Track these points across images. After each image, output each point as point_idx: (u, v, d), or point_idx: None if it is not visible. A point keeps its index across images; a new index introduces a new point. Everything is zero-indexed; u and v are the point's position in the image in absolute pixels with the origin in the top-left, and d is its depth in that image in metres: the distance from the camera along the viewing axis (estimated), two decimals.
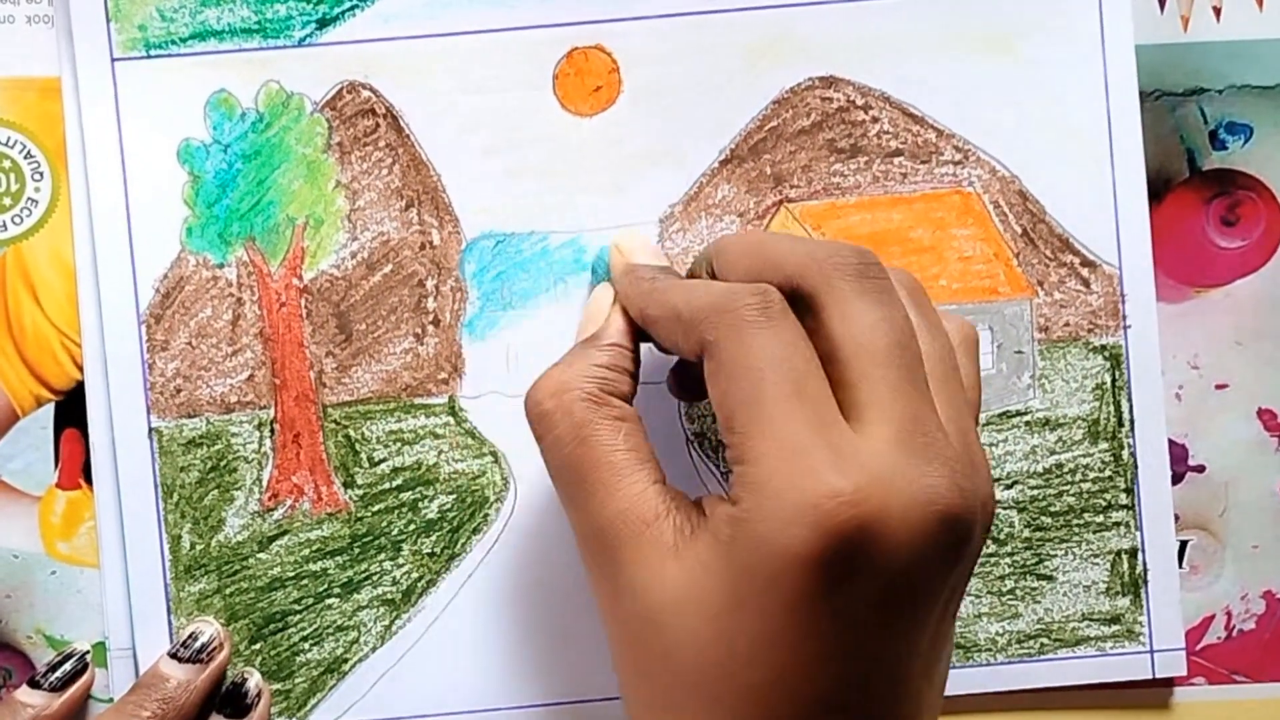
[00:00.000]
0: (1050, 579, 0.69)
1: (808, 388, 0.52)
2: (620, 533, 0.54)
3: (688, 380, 0.64)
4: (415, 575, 0.67)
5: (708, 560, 0.52)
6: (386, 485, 0.67)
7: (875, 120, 0.68)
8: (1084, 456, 0.69)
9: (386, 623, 0.67)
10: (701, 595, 0.52)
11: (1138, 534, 0.69)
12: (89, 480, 0.67)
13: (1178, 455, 0.70)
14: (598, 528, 0.55)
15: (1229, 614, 0.71)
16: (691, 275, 0.61)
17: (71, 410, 0.68)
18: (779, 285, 0.54)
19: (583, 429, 0.56)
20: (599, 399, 0.57)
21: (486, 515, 0.68)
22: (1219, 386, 0.71)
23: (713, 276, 0.59)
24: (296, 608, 0.67)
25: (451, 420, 0.67)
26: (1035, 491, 0.69)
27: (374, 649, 0.67)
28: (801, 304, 0.54)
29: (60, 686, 0.65)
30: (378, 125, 0.67)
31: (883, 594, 0.51)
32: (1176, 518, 0.70)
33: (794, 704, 0.51)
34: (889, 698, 0.53)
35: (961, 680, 0.69)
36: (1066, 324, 0.69)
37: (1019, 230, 0.69)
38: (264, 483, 0.67)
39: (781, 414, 0.51)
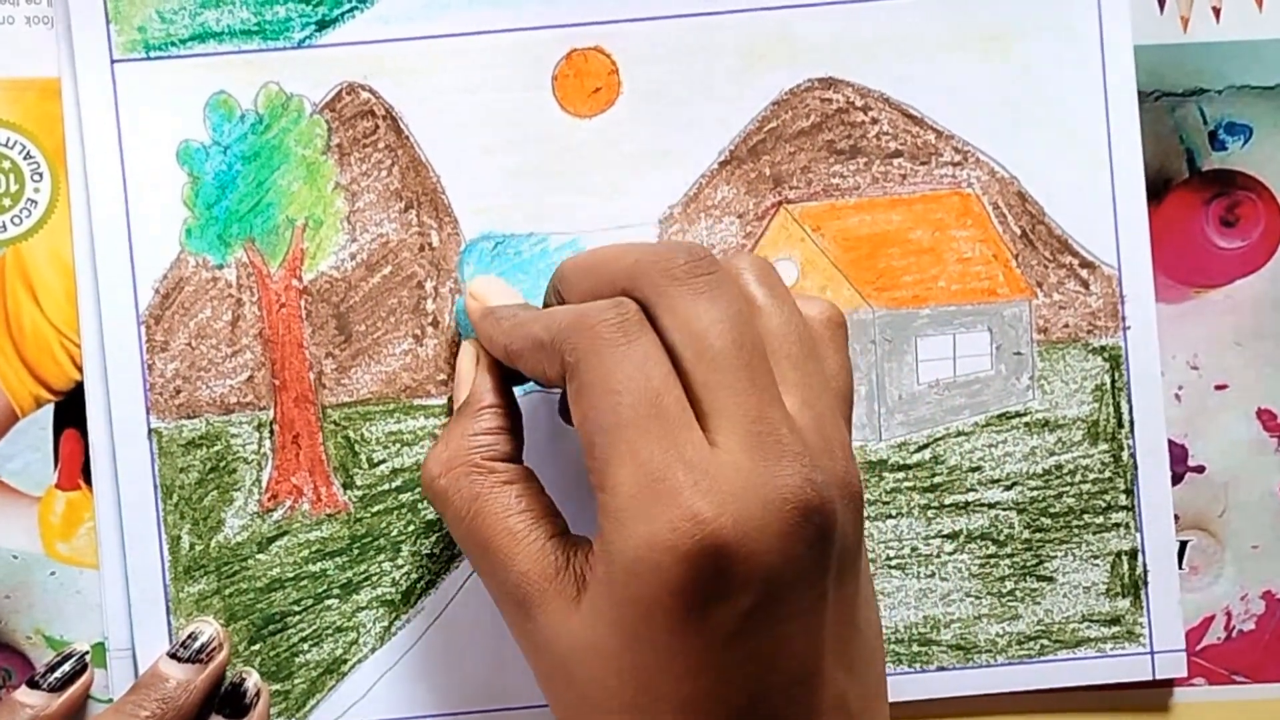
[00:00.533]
0: (1050, 580, 0.69)
1: (663, 404, 0.52)
2: (527, 593, 0.55)
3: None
4: (415, 576, 0.67)
5: (595, 602, 0.53)
6: (386, 486, 0.67)
7: (875, 121, 0.68)
8: (1083, 458, 0.69)
9: (386, 624, 0.67)
10: (596, 639, 0.52)
11: (1137, 535, 0.69)
12: (88, 481, 0.67)
13: (1177, 456, 0.70)
14: (506, 592, 0.56)
15: (1229, 614, 0.71)
16: (545, 306, 0.61)
17: (71, 411, 0.68)
18: (614, 295, 0.55)
19: (474, 502, 0.57)
20: (484, 468, 0.58)
21: None
22: (1219, 387, 0.71)
23: (560, 303, 0.59)
24: (296, 608, 0.67)
25: None
26: (1035, 493, 0.69)
27: (373, 650, 0.67)
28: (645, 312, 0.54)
29: (59, 687, 0.65)
30: (377, 127, 0.67)
31: (759, 601, 0.51)
32: (1176, 518, 0.70)
33: None
34: (802, 698, 0.53)
35: (961, 681, 0.69)
36: (1066, 325, 0.69)
37: (1018, 231, 0.69)
38: (263, 484, 0.67)
39: (637, 437, 0.51)
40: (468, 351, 0.63)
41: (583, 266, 0.58)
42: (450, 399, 0.67)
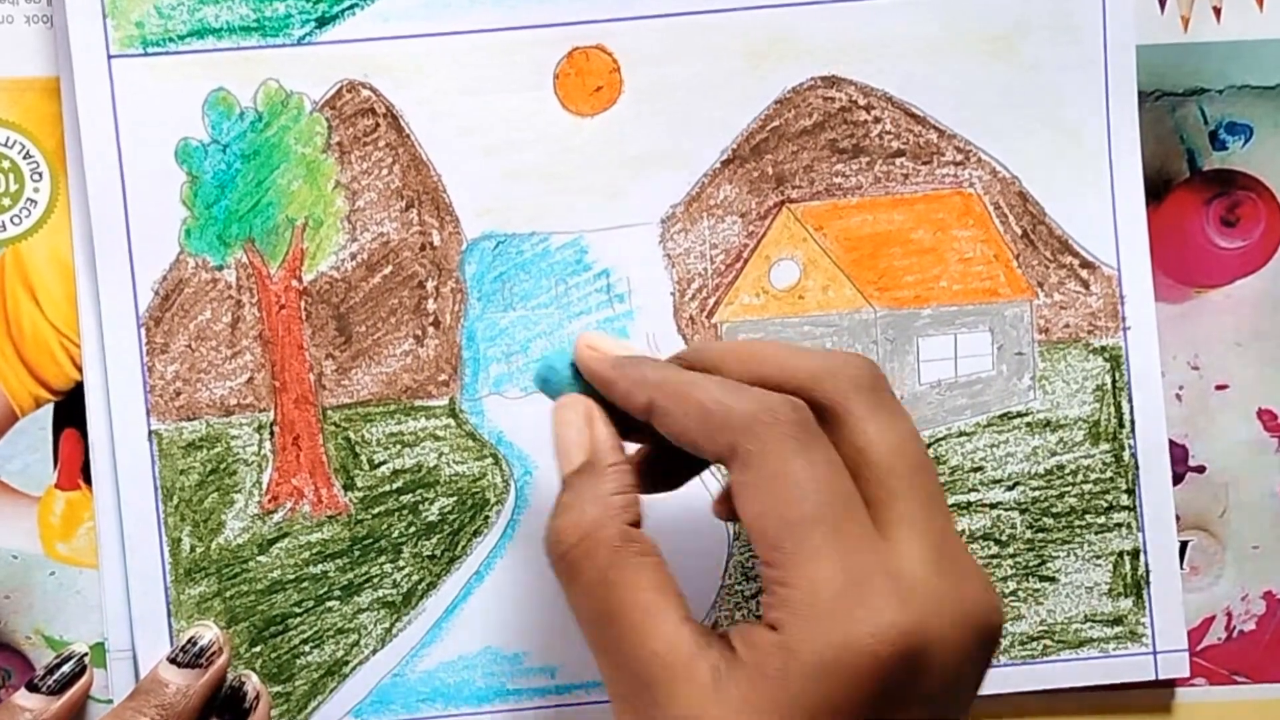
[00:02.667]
0: (1052, 580, 0.69)
1: (853, 510, 0.51)
2: (656, 675, 0.52)
3: (657, 470, 0.61)
4: (416, 578, 0.67)
5: (751, 696, 0.50)
6: (387, 488, 0.67)
7: (877, 120, 0.68)
8: (1085, 458, 0.69)
9: (387, 625, 0.67)
10: None
11: (1139, 535, 0.69)
12: (88, 480, 0.67)
13: (1178, 456, 0.70)
14: (632, 671, 0.53)
15: (1229, 615, 0.71)
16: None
17: (70, 411, 0.68)
18: (792, 395, 0.54)
19: (609, 572, 0.54)
20: (622, 537, 0.55)
21: (487, 517, 0.68)
22: (1219, 387, 0.71)
23: None
24: (297, 610, 0.67)
25: (452, 422, 0.67)
26: (1037, 493, 0.69)
27: (374, 651, 0.67)
28: (818, 416, 0.54)
29: (59, 689, 0.65)
30: (377, 125, 0.67)
31: (932, 706, 0.51)
32: (1177, 518, 0.70)
33: None
34: None
35: None
36: (1066, 325, 0.69)
37: (1019, 231, 0.69)
38: (264, 485, 0.67)
39: (830, 539, 0.51)
40: (576, 408, 0.59)
41: (743, 354, 0.56)
42: (451, 399, 0.67)
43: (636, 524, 0.56)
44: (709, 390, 0.54)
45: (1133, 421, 0.69)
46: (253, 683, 0.66)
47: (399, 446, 0.67)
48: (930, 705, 0.51)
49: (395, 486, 0.67)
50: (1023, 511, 0.69)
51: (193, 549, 0.67)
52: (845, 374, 0.54)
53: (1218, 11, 0.70)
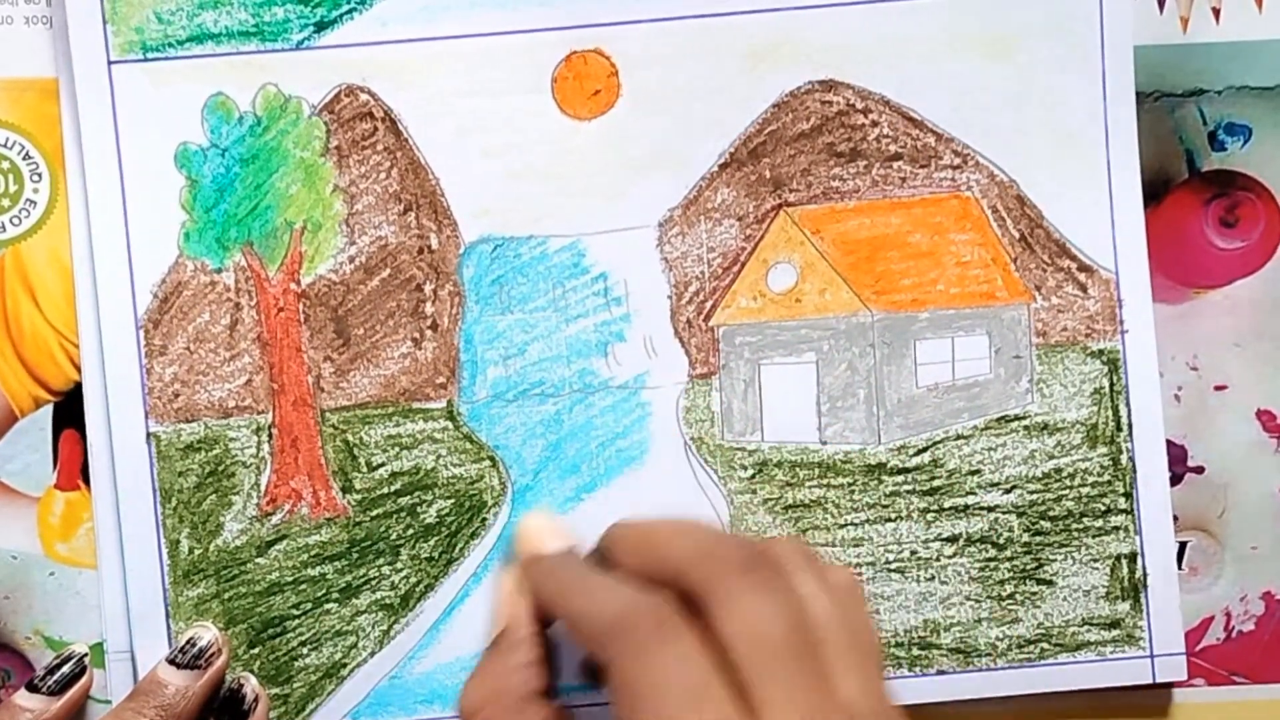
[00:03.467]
0: (1050, 584, 0.69)
1: (709, 697, 0.51)
2: None
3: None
4: (414, 580, 0.67)
5: None
6: (385, 490, 0.67)
7: (875, 124, 0.68)
8: (1082, 461, 0.69)
9: (385, 627, 0.67)
10: None
11: (1137, 538, 0.69)
12: (87, 481, 0.67)
13: (1177, 456, 0.70)
14: None
15: (1228, 615, 0.71)
16: (596, 558, 0.61)
17: (70, 411, 0.68)
18: (669, 582, 0.55)
19: None
20: (516, 708, 0.59)
21: (485, 520, 0.68)
22: (1218, 388, 0.71)
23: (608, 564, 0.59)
24: (295, 612, 0.67)
25: (450, 425, 0.67)
26: (1034, 496, 0.69)
27: (372, 653, 0.67)
28: (696, 601, 0.54)
29: (58, 690, 0.65)
30: (376, 129, 0.67)
31: None
32: (1175, 519, 0.70)
33: None
34: None
35: (961, 685, 0.69)
36: (1064, 329, 0.69)
37: (1017, 235, 0.69)
38: (262, 487, 0.67)
39: None
40: (506, 581, 0.64)
41: (635, 540, 0.58)
42: (449, 402, 0.68)
43: (543, 691, 0.60)
44: (580, 600, 0.56)
45: (1130, 425, 0.69)
46: (251, 685, 0.66)
47: (397, 449, 0.67)
48: None
49: (393, 489, 0.67)
50: (1020, 515, 0.69)
51: (191, 551, 0.67)
52: (715, 558, 0.54)
53: (1217, 12, 0.70)
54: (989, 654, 0.69)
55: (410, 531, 0.67)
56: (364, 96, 0.67)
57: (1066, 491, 0.69)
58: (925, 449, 0.69)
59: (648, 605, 0.54)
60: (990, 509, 0.69)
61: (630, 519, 0.61)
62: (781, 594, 0.54)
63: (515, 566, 0.63)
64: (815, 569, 0.56)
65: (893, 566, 0.69)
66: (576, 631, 0.56)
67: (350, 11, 0.67)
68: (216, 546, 0.67)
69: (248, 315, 0.67)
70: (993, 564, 0.69)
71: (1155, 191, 0.70)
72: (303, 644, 0.67)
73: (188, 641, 0.66)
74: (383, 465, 0.67)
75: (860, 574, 0.68)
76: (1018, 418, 0.69)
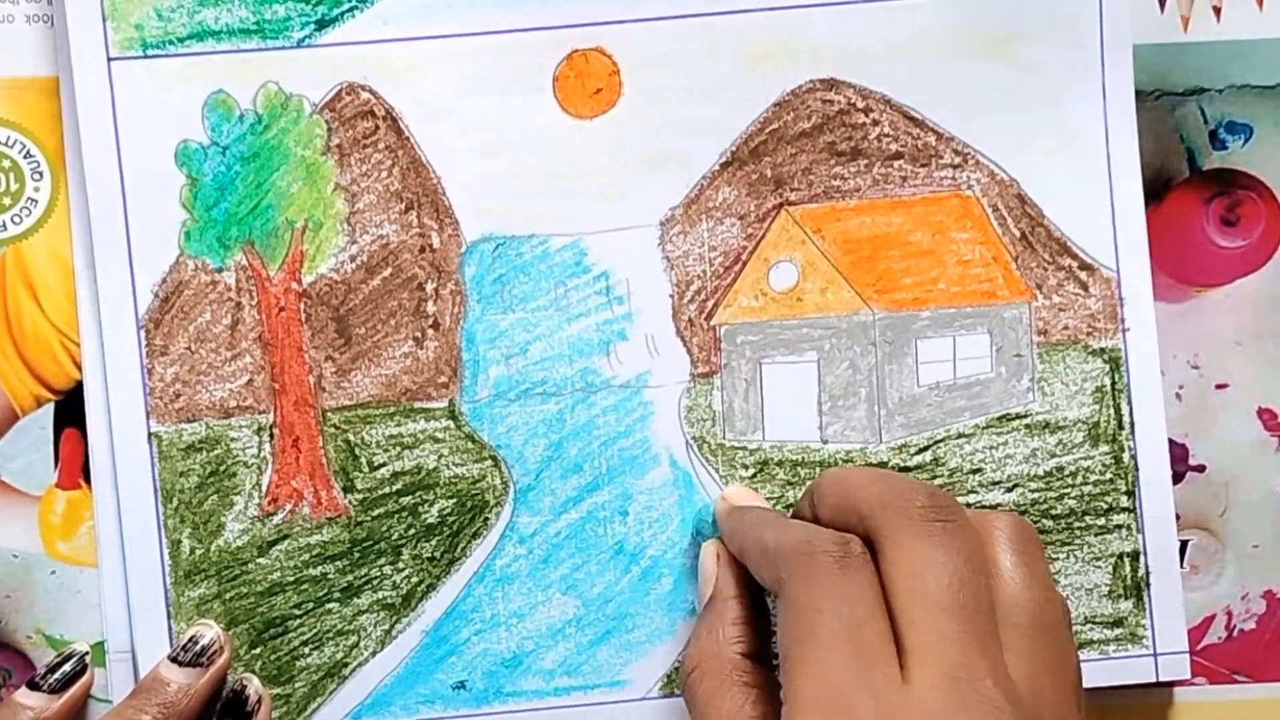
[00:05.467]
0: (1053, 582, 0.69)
1: (863, 633, 0.52)
2: None
3: None
4: (415, 580, 0.67)
5: None
6: (386, 490, 0.67)
7: (876, 123, 0.68)
8: (1084, 459, 0.69)
9: (386, 627, 0.67)
10: None
11: (1139, 537, 0.69)
12: (89, 480, 0.67)
13: (1178, 455, 0.70)
14: None
15: (1230, 614, 0.71)
16: (798, 514, 0.62)
17: (71, 410, 0.68)
18: (855, 526, 0.56)
19: (713, 698, 0.58)
20: (729, 666, 0.59)
21: (486, 519, 0.68)
22: (1219, 386, 0.71)
23: (813, 511, 0.60)
24: (296, 612, 0.67)
25: (451, 424, 0.67)
26: (1036, 495, 0.69)
27: (374, 653, 0.67)
28: (874, 545, 0.55)
29: (60, 688, 0.65)
30: (377, 127, 0.67)
31: None
32: (1177, 517, 0.70)
33: None
34: None
35: None
36: (1065, 327, 0.69)
37: (1018, 234, 0.69)
38: (264, 487, 0.67)
39: (828, 657, 0.52)
40: (709, 551, 0.65)
41: (836, 483, 0.59)
42: (450, 401, 0.67)
43: (752, 654, 0.60)
44: (773, 530, 0.58)
45: (1132, 423, 0.69)
46: (254, 685, 0.66)
47: (398, 448, 0.67)
48: None
49: (395, 488, 0.67)
50: (1022, 513, 0.69)
51: (192, 551, 0.67)
52: (896, 504, 0.55)
53: (1218, 11, 0.70)
54: None
55: (412, 531, 0.67)
56: (365, 95, 0.67)
57: (1068, 490, 0.69)
58: (926, 448, 0.69)
59: (834, 538, 0.55)
60: (992, 508, 0.68)
61: (841, 469, 0.63)
62: (960, 552, 0.54)
63: (716, 539, 0.65)
64: (1034, 557, 0.57)
65: None
66: (764, 562, 0.58)
67: (351, 9, 0.67)
68: (218, 546, 0.67)
69: (249, 315, 0.67)
70: None
71: (1156, 190, 0.70)
72: (304, 644, 0.67)
73: (190, 640, 0.66)
74: (384, 465, 0.67)
75: None
76: (1019, 416, 0.69)
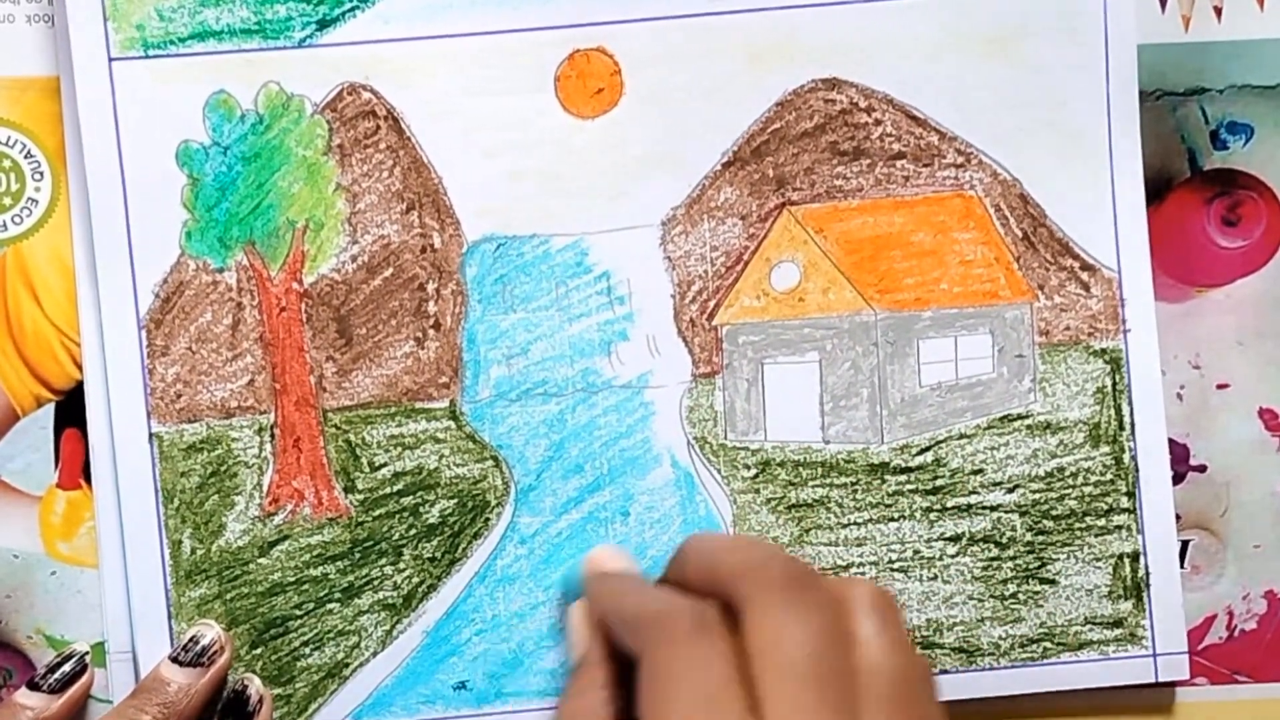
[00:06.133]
0: (1052, 583, 0.69)
1: (718, 701, 0.51)
2: None
3: None
4: (416, 580, 0.67)
5: None
6: (387, 490, 0.67)
7: (878, 123, 0.68)
8: (1085, 460, 0.69)
9: (387, 627, 0.67)
10: None
11: (1139, 538, 0.69)
12: (89, 480, 0.67)
13: (1179, 455, 0.70)
14: None
15: (1230, 614, 0.71)
16: (665, 579, 0.61)
17: (72, 410, 0.68)
18: (719, 593, 0.55)
19: None
20: None
21: (487, 520, 0.68)
22: (1220, 386, 0.71)
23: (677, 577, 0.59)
24: (297, 613, 0.67)
25: (452, 425, 0.67)
26: (1037, 495, 0.69)
27: (375, 653, 0.67)
28: (736, 612, 0.54)
29: (60, 688, 0.65)
30: (378, 127, 0.67)
31: None
32: (1178, 517, 0.70)
33: None
34: None
35: (964, 685, 0.69)
36: (1067, 328, 0.69)
37: (1020, 234, 0.69)
38: (264, 488, 0.67)
39: None
40: (577, 614, 0.64)
41: (699, 549, 0.59)
42: (451, 402, 0.67)
43: (617, 713, 0.59)
44: (633, 599, 0.59)
45: (1133, 424, 0.69)
46: (255, 686, 0.66)
47: (399, 449, 0.67)
48: None
49: (396, 489, 0.67)
50: (1023, 514, 0.69)
51: (193, 551, 0.67)
52: (761, 572, 0.54)
53: (1219, 11, 0.70)
54: (992, 653, 0.69)
55: (413, 531, 0.67)
56: (366, 95, 0.67)
57: (1069, 490, 0.69)
58: (928, 448, 0.69)
59: (691, 607, 0.55)
60: (993, 508, 0.69)
61: (705, 533, 0.64)
62: (820, 621, 0.53)
63: (583, 601, 0.64)
64: (892, 623, 0.56)
65: (895, 566, 0.69)
66: (623, 629, 0.57)
67: (353, 9, 0.67)
68: (219, 547, 0.67)
69: (250, 315, 0.67)
70: (995, 563, 0.69)
71: (1157, 190, 0.70)
72: (305, 644, 0.67)
73: (190, 639, 0.66)
74: (385, 465, 0.67)
75: (863, 574, 0.69)
76: (1020, 417, 0.69)
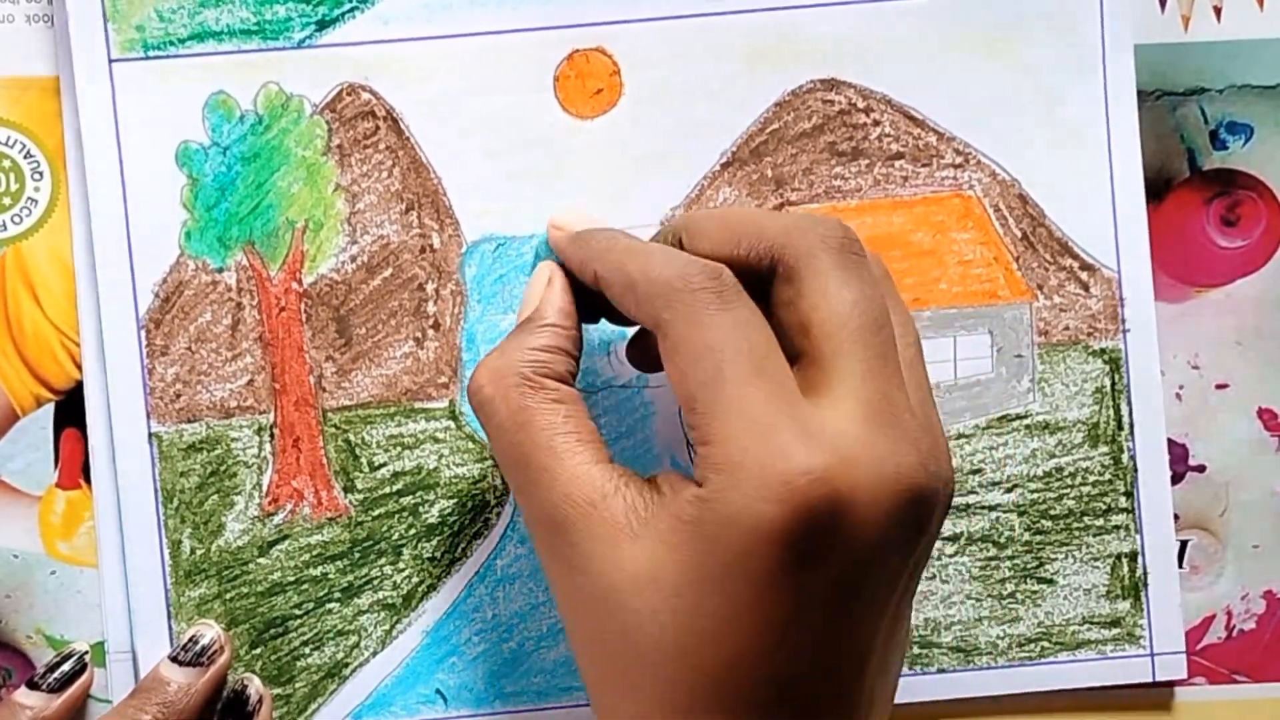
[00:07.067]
0: (1051, 582, 0.69)
1: (768, 367, 0.51)
2: (567, 515, 0.53)
3: (647, 351, 0.64)
4: (416, 580, 0.67)
5: (669, 538, 0.51)
6: (387, 490, 0.67)
7: (876, 123, 0.68)
8: (1084, 460, 0.69)
9: (387, 627, 0.67)
10: (662, 573, 0.51)
11: (1138, 537, 0.69)
12: (89, 480, 0.67)
13: (1178, 455, 0.70)
14: (544, 512, 0.54)
15: (1229, 614, 0.71)
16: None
17: (71, 410, 0.68)
18: (758, 254, 0.55)
19: (520, 414, 0.56)
20: (534, 383, 0.56)
21: (487, 519, 0.68)
22: (1219, 386, 0.71)
23: (680, 248, 0.58)
24: (297, 613, 0.67)
25: (452, 424, 0.67)
26: (1035, 495, 0.69)
27: (374, 653, 0.67)
28: (779, 274, 0.54)
29: (59, 687, 0.65)
30: (378, 128, 0.67)
31: (848, 571, 0.51)
32: (1176, 517, 0.70)
33: (751, 683, 0.51)
34: (844, 681, 0.53)
35: (962, 684, 0.69)
36: (1066, 327, 0.69)
37: (1019, 234, 0.69)
38: (264, 487, 0.67)
39: (745, 394, 0.51)
40: (543, 271, 0.61)
41: (723, 218, 0.57)
42: (451, 402, 0.67)
43: (560, 378, 0.57)
44: (639, 261, 0.55)
45: (1132, 424, 0.69)
46: (255, 686, 0.66)
47: (399, 449, 0.67)
48: (850, 566, 0.51)
49: (395, 489, 0.67)
50: (1021, 514, 0.69)
51: (193, 551, 0.67)
52: (813, 234, 0.54)
53: (1218, 11, 0.70)
54: (989, 652, 0.69)
55: (412, 531, 0.67)
56: (365, 95, 0.67)
57: (1067, 490, 0.69)
58: None
59: (711, 269, 0.53)
60: (991, 508, 0.69)
61: (713, 209, 0.62)
62: (875, 285, 0.54)
63: (545, 264, 0.62)
64: (896, 292, 0.58)
65: None
66: (630, 295, 0.55)
67: (352, 10, 0.67)
68: (218, 547, 0.67)
69: (249, 315, 0.67)
70: (993, 563, 0.69)
71: (1156, 190, 0.70)
72: (305, 644, 0.67)
73: (190, 639, 0.66)
74: (385, 465, 0.67)
75: None
76: (1019, 417, 0.69)
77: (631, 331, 0.65)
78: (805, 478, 0.49)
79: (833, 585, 0.51)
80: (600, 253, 0.58)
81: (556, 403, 0.56)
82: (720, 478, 0.51)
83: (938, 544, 0.68)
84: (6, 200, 0.67)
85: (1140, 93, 0.69)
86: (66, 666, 0.66)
